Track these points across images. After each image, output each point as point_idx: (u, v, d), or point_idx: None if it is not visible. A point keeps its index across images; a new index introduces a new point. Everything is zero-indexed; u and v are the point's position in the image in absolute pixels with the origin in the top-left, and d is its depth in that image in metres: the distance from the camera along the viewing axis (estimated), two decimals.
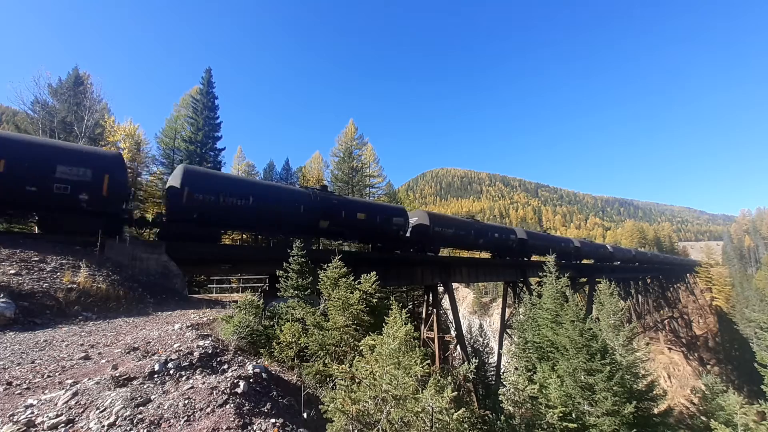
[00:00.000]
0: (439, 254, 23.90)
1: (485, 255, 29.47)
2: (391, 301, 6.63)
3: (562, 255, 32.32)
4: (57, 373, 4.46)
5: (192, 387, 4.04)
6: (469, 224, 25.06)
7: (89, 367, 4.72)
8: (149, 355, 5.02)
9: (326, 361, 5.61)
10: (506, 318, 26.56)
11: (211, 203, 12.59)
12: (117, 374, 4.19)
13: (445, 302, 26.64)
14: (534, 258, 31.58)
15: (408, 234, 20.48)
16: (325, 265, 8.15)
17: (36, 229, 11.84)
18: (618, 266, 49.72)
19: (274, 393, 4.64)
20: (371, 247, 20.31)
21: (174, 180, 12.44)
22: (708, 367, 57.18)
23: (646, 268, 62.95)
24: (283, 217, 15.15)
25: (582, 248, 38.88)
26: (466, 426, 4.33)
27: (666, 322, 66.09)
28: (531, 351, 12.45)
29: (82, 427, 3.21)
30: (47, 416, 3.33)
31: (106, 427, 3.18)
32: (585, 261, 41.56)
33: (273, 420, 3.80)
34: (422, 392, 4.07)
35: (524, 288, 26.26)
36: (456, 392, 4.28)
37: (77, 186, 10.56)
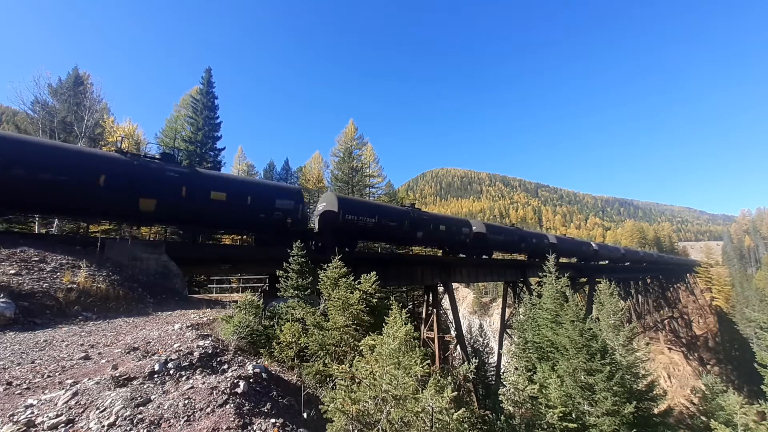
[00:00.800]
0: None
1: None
2: (391, 301, 6.63)
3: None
4: (57, 373, 4.46)
5: (192, 387, 4.04)
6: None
7: (89, 367, 4.72)
8: (149, 355, 5.02)
9: (326, 361, 5.61)
10: (506, 318, 26.55)
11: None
12: (117, 374, 4.19)
13: (445, 302, 26.63)
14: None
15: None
16: (325, 265, 8.15)
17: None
18: (618, 266, 49.70)
19: (274, 393, 4.64)
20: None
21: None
22: (708, 367, 57.18)
23: (646, 268, 62.94)
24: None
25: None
26: (466, 426, 4.33)
27: (666, 322, 66.09)
28: (531, 351, 12.45)
29: (82, 427, 3.21)
30: (47, 416, 3.33)
31: (106, 427, 3.18)
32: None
33: (273, 420, 3.80)
34: (422, 392, 4.07)
35: (524, 288, 26.26)
36: (456, 392, 4.28)
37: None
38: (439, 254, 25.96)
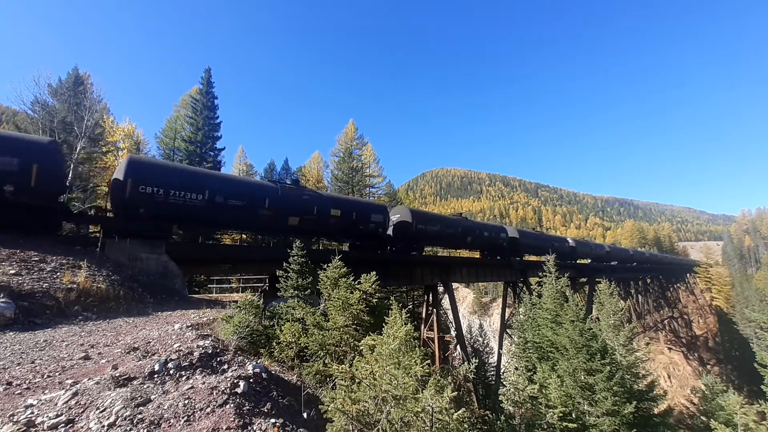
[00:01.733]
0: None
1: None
2: (391, 301, 6.63)
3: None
4: (57, 373, 4.45)
5: (192, 387, 4.04)
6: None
7: (89, 367, 4.72)
8: (149, 355, 5.02)
9: (326, 361, 5.61)
10: (506, 318, 26.57)
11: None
12: (117, 374, 4.19)
13: (445, 302, 26.64)
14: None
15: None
16: (325, 265, 8.16)
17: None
18: (618, 266, 49.68)
19: (274, 393, 4.64)
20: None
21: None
22: (708, 367, 57.19)
23: (647, 268, 62.94)
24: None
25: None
26: (466, 426, 4.33)
27: (666, 322, 66.09)
28: (531, 351, 12.46)
29: (82, 427, 3.21)
30: (47, 416, 3.33)
31: (106, 427, 3.18)
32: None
33: (273, 420, 3.80)
34: (422, 392, 4.07)
35: (524, 288, 26.28)
36: (456, 392, 4.28)
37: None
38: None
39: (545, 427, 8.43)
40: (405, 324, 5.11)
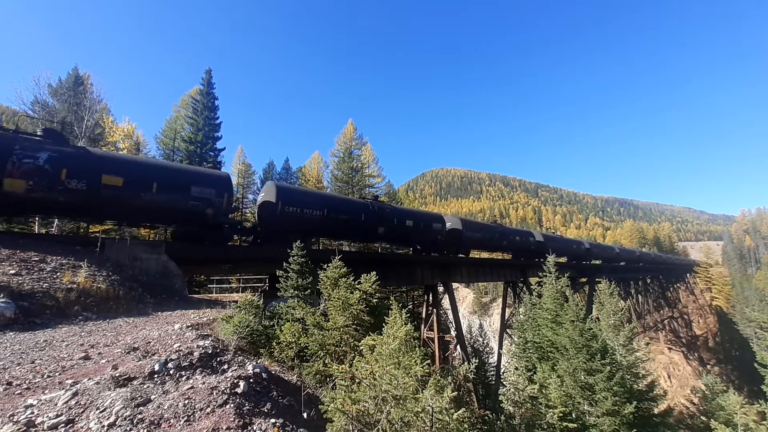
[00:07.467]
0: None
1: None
2: (391, 301, 6.63)
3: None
4: (57, 373, 4.45)
5: (192, 387, 4.04)
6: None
7: (89, 367, 4.72)
8: (149, 355, 5.02)
9: (326, 361, 5.61)
10: (506, 318, 26.57)
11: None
12: (117, 374, 4.19)
13: (445, 302, 26.63)
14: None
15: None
16: (325, 265, 8.15)
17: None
18: (618, 266, 49.69)
19: (274, 393, 4.64)
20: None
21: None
22: (708, 367, 57.18)
23: (647, 268, 62.93)
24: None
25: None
26: (466, 426, 4.33)
27: (666, 322, 66.10)
28: (531, 351, 12.45)
29: (82, 427, 3.21)
30: (47, 416, 3.33)
31: (106, 427, 3.18)
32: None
33: (273, 420, 3.80)
34: (422, 392, 4.07)
35: (524, 288, 26.26)
36: (456, 392, 4.28)
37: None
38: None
39: (545, 427, 8.42)
40: (405, 324, 5.11)
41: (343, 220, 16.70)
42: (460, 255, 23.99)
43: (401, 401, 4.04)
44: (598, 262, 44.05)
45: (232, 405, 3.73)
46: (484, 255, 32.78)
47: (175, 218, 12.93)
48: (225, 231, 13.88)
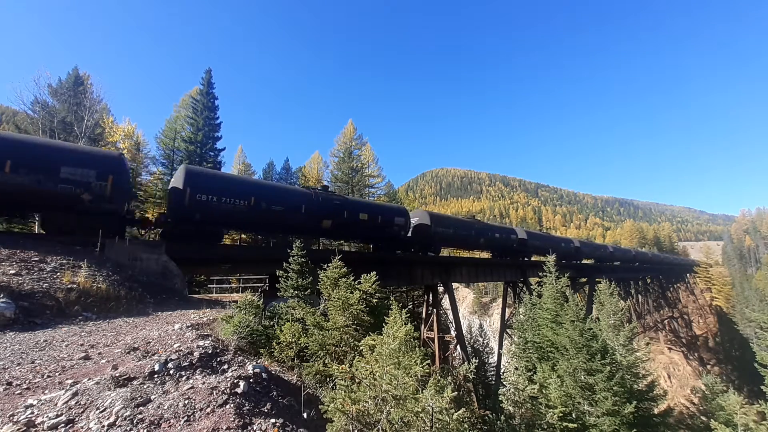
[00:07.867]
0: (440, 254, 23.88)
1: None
2: (391, 301, 6.63)
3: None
4: (57, 373, 4.45)
5: (192, 387, 4.04)
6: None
7: (89, 367, 4.72)
8: (149, 355, 5.02)
9: (326, 361, 5.60)
10: (506, 318, 26.57)
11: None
12: (117, 374, 4.19)
13: (445, 302, 26.63)
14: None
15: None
16: (325, 265, 8.15)
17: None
18: (618, 266, 49.70)
19: (274, 393, 4.64)
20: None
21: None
22: (708, 367, 57.19)
23: (647, 268, 62.94)
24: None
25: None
26: (466, 426, 4.33)
27: (666, 322, 66.09)
28: (531, 351, 12.45)
29: (82, 427, 3.21)
30: (47, 416, 3.33)
31: (106, 427, 3.18)
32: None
33: (273, 420, 3.80)
34: (422, 392, 4.07)
35: (524, 288, 26.26)
36: (456, 392, 4.27)
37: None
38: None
39: (545, 427, 8.42)
40: (405, 324, 5.11)
41: (277, 212, 14.31)
42: (430, 253, 21.80)
43: (401, 401, 4.03)
44: (589, 261, 43.14)
45: (232, 405, 3.73)
46: (485, 255, 31.92)
47: (38, 205, 10.95)
48: (109, 221, 11.45)
